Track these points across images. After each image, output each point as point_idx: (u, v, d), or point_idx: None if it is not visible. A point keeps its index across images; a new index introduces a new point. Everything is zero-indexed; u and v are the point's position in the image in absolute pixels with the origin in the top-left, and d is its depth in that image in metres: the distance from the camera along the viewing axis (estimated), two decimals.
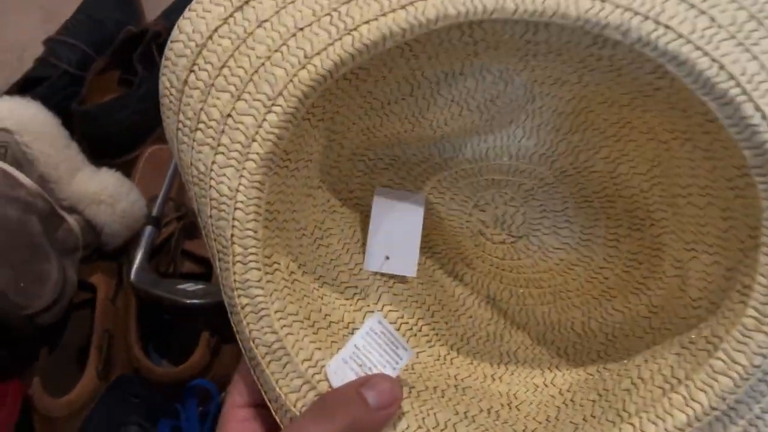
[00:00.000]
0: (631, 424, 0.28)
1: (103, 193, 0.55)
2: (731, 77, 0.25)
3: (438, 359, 0.36)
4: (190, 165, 0.29)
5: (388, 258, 0.35)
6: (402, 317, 0.37)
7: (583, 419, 0.31)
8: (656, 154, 0.33)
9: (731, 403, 0.27)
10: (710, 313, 0.30)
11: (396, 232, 0.35)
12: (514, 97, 0.34)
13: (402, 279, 0.37)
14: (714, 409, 0.27)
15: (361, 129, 0.35)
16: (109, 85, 0.74)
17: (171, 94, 0.30)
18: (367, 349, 0.31)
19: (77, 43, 0.74)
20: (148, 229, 0.57)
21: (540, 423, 0.33)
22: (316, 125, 0.31)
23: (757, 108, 0.25)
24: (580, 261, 0.36)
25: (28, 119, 0.53)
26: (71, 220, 0.54)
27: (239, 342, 0.30)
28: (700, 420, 0.27)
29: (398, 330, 0.36)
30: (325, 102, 0.30)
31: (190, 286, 0.53)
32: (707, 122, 0.27)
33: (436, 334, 0.37)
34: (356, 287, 0.35)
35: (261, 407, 0.31)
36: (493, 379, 0.36)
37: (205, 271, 0.58)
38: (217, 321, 0.52)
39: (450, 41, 0.28)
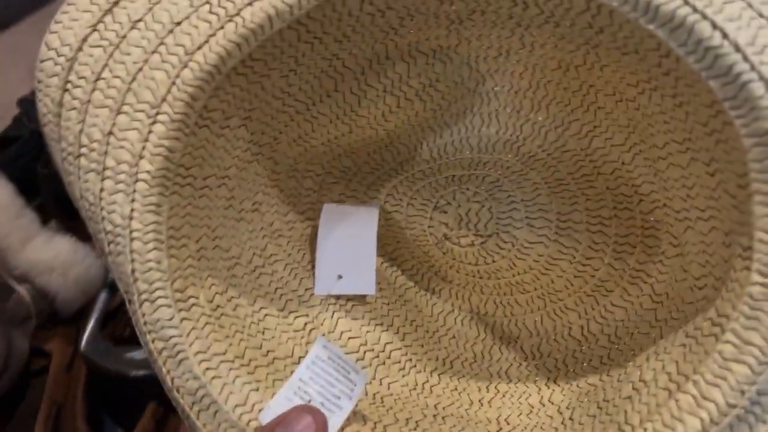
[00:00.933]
0: None
1: (56, 260, 0.55)
2: None
3: (414, 388, 0.31)
4: (80, 198, 0.26)
5: (341, 277, 0.31)
6: (365, 344, 0.32)
7: None
8: (629, 118, 0.29)
9: (752, 395, 0.21)
10: (716, 291, 0.25)
11: (348, 249, 0.31)
12: (459, 79, 0.31)
13: (361, 300, 0.33)
14: (732, 406, 0.22)
15: (293, 138, 0.31)
16: None
17: (50, 121, 0.26)
18: (314, 380, 0.27)
19: None
20: (103, 294, 0.56)
21: None
22: (220, 134, 0.27)
23: (714, 26, 0.21)
24: (562, 254, 0.32)
25: None
26: (22, 289, 0.53)
27: (167, 393, 0.27)
28: (717, 423, 0.22)
29: (362, 359, 0.32)
30: (224, 104, 0.26)
31: (138, 354, 0.52)
32: (663, 58, 0.23)
33: (410, 360, 0.32)
34: (307, 315, 0.31)
35: None
36: (481, 405, 0.31)
37: None
38: (164, 391, 0.51)
39: (352, 15, 0.25)
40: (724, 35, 0.21)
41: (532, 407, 0.30)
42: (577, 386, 0.30)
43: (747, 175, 0.22)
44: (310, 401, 0.26)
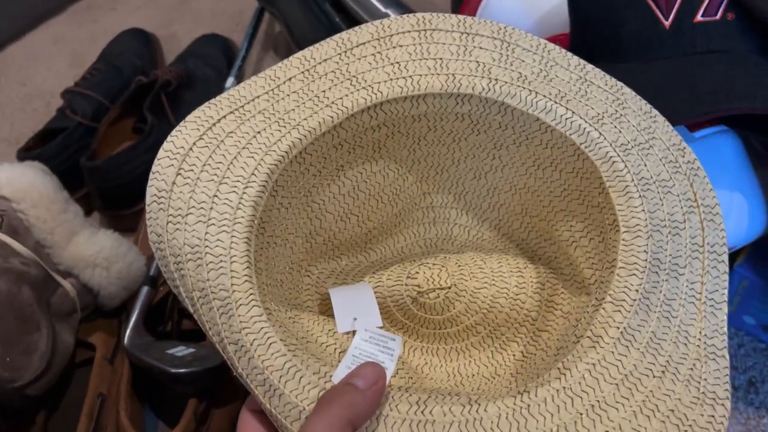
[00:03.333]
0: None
1: (99, 255, 0.56)
2: (546, 97, 0.39)
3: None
4: (183, 245, 0.36)
5: (355, 319, 0.41)
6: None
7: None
8: (522, 204, 0.44)
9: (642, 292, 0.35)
10: (600, 272, 0.38)
11: (355, 300, 0.42)
12: (410, 193, 0.45)
13: None
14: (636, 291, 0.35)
15: (306, 234, 0.43)
16: (124, 133, 0.76)
17: (160, 197, 0.37)
18: (364, 352, 0.37)
19: (93, 95, 0.76)
20: (144, 289, 0.57)
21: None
22: (278, 207, 0.39)
23: (566, 108, 0.39)
24: (500, 293, 0.43)
25: (26, 186, 0.54)
26: (67, 284, 0.54)
27: (248, 384, 0.34)
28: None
29: None
30: (285, 183, 0.39)
31: (180, 351, 0.52)
32: (543, 134, 0.40)
33: (399, 390, 0.40)
34: (335, 343, 0.39)
35: None
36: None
37: (200, 329, 0.58)
38: (205, 387, 0.51)
39: (362, 126, 0.40)
40: (574, 112, 0.39)
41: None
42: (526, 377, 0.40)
43: (603, 185, 0.37)
44: None
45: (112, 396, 0.54)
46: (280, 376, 0.34)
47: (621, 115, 0.39)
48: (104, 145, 0.72)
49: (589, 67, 0.41)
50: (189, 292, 0.36)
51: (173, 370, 0.49)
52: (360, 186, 0.44)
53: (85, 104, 0.75)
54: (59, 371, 0.52)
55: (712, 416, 0.34)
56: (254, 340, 0.34)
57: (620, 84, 0.41)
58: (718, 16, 0.43)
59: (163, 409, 0.56)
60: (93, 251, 0.56)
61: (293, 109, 0.39)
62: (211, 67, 0.81)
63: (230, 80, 0.75)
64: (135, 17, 0.94)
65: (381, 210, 0.45)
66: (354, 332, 0.40)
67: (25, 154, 0.71)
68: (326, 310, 0.43)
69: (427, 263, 0.43)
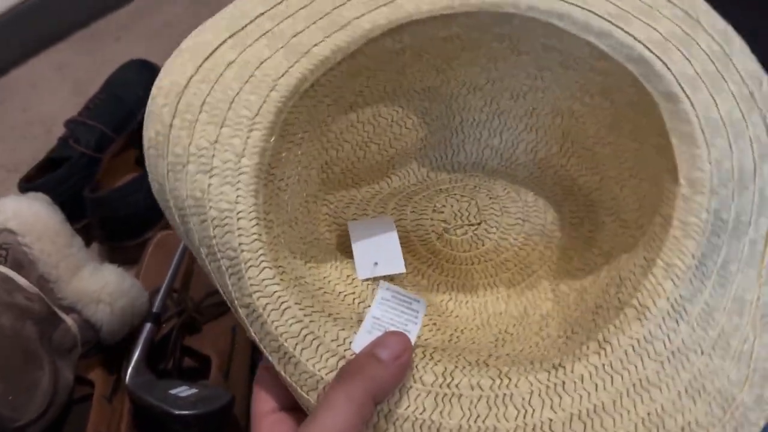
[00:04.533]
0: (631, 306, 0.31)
1: (103, 291, 0.55)
2: (601, 17, 0.33)
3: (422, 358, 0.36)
4: (186, 197, 0.32)
5: (376, 264, 0.37)
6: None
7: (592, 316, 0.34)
8: (563, 129, 0.40)
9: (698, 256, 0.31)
10: (651, 227, 0.33)
11: (376, 242, 0.38)
12: (439, 113, 0.40)
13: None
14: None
15: (321, 165, 0.39)
16: (127, 165, 0.76)
17: (157, 142, 0.33)
18: (386, 316, 0.33)
19: (96, 125, 0.76)
20: (147, 326, 0.56)
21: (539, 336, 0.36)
22: (288, 146, 0.35)
23: (628, 33, 0.33)
24: (534, 230, 0.40)
25: (32, 219, 0.54)
26: (69, 320, 0.54)
27: (262, 349, 0.32)
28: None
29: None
30: (295, 121, 0.35)
31: (183, 391, 0.52)
32: (595, 61, 0.34)
33: (430, 330, 0.38)
34: (353, 293, 0.36)
35: (286, 410, 0.33)
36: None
37: (203, 366, 0.58)
38: (209, 429, 0.51)
39: (384, 51, 0.35)
40: (634, 37, 0.33)
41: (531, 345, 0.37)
42: (562, 329, 0.36)
43: (663, 126, 0.32)
44: (385, 331, 0.32)
45: None
46: (296, 344, 0.31)
47: (691, 37, 0.33)
48: (107, 176, 0.72)
49: None
50: (196, 250, 0.33)
51: (177, 412, 0.49)
52: (381, 112, 0.39)
53: (89, 134, 0.75)
54: (59, 410, 0.51)
55: (761, 396, 0.31)
56: (267, 304, 0.31)
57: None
58: None
59: None
60: (97, 286, 0.55)
61: (302, 31, 0.33)
62: None
63: None
64: (139, 48, 0.95)
65: (405, 136, 0.40)
66: (374, 279, 0.37)
67: (27, 184, 0.71)
68: (345, 243, 0.39)
69: (455, 194, 0.40)
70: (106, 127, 0.76)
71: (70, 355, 0.54)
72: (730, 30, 0.34)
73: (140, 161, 0.76)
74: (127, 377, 0.53)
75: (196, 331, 0.59)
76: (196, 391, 0.52)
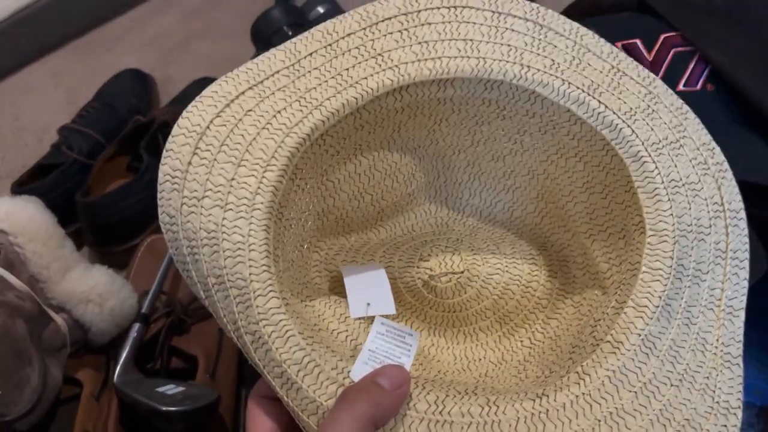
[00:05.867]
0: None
1: (93, 291, 0.56)
2: (578, 88, 0.38)
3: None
4: (198, 229, 0.35)
5: (369, 304, 0.40)
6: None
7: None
8: (538, 190, 0.44)
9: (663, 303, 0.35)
10: (620, 274, 0.38)
11: (368, 285, 0.41)
12: (426, 171, 0.44)
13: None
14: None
15: (318, 212, 0.42)
16: (118, 171, 0.77)
17: (174, 177, 0.35)
18: (381, 348, 0.36)
19: (89, 132, 0.77)
20: (136, 326, 0.57)
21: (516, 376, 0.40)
22: (295, 190, 0.38)
23: (600, 102, 0.38)
24: (512, 280, 0.43)
25: (24, 220, 0.55)
26: (59, 319, 0.55)
27: (264, 375, 0.34)
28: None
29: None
30: (304, 166, 0.38)
31: (170, 389, 0.53)
32: (572, 126, 0.39)
33: (416, 370, 0.42)
34: (346, 331, 0.39)
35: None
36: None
37: (190, 367, 0.59)
38: (195, 426, 0.52)
39: (385, 109, 0.38)
40: (606, 106, 0.37)
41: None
42: (533, 374, 0.40)
43: (631, 183, 0.37)
44: (380, 363, 0.35)
45: None
46: (298, 370, 0.33)
47: (653, 110, 0.38)
48: (98, 182, 0.73)
49: (622, 56, 0.40)
50: (203, 277, 0.35)
51: (164, 408, 0.50)
52: (376, 165, 0.43)
53: (82, 141, 0.76)
54: (48, 407, 0.52)
55: (725, 426, 0.34)
56: (272, 332, 0.33)
57: (653, 76, 0.40)
58: (698, 87, 0.46)
59: None
60: (87, 287, 0.56)
61: (315, 88, 0.37)
62: None
63: None
64: (133, 57, 0.96)
65: (395, 189, 0.44)
66: (366, 318, 0.39)
67: (20, 188, 0.72)
68: (335, 287, 0.42)
69: (439, 245, 0.43)
70: (99, 135, 0.77)
71: (59, 354, 0.55)
72: (685, 106, 0.39)
73: (131, 168, 0.77)
74: (116, 376, 0.54)
75: (185, 332, 0.60)
76: (183, 389, 0.53)
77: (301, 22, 0.80)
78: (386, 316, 0.40)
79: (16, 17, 0.94)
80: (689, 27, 0.47)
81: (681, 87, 0.46)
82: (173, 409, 0.50)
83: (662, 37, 0.47)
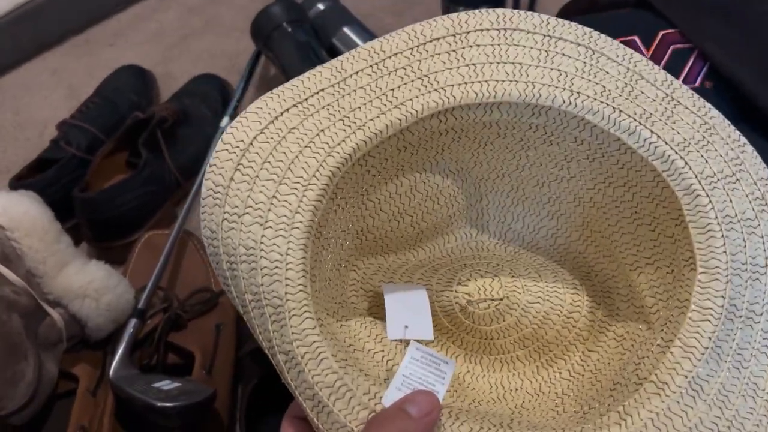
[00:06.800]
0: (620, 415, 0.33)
1: (89, 287, 0.56)
2: (630, 117, 0.36)
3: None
4: (238, 246, 0.35)
5: (407, 327, 0.39)
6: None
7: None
8: (584, 217, 0.42)
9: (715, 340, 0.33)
10: (667, 311, 0.36)
11: (408, 307, 0.40)
12: (468, 194, 0.44)
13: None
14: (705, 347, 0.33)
15: (357, 231, 0.42)
16: (117, 167, 0.77)
17: (216, 192, 0.36)
18: (415, 374, 0.35)
19: (89, 128, 0.77)
20: (132, 321, 0.57)
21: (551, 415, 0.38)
22: (335, 210, 0.39)
23: (652, 132, 0.36)
24: (553, 310, 0.42)
25: (21, 215, 0.55)
26: (55, 314, 0.55)
27: (296, 395, 0.34)
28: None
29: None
30: (345, 185, 0.38)
31: (165, 384, 0.53)
32: (621, 155, 0.37)
33: (451, 396, 0.41)
34: (383, 351, 0.39)
35: None
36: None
37: (187, 363, 0.59)
38: (190, 422, 0.52)
39: (429, 131, 0.38)
40: (659, 137, 0.36)
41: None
42: (573, 409, 0.39)
43: (683, 217, 0.35)
44: (414, 389, 0.34)
45: (93, 429, 0.53)
46: (330, 394, 0.33)
47: (708, 142, 0.37)
48: (97, 177, 0.73)
49: (677, 83, 0.38)
50: (241, 293, 0.35)
51: (159, 404, 0.50)
52: (418, 186, 0.42)
53: (81, 137, 0.76)
54: (43, 402, 0.52)
55: None
56: (305, 353, 0.33)
57: (709, 106, 0.38)
58: (696, 84, 0.46)
59: None
60: (83, 282, 0.56)
61: (359, 107, 0.37)
62: (206, 106, 0.83)
63: (225, 120, 0.77)
64: (133, 53, 0.96)
65: (436, 211, 0.43)
66: (403, 340, 0.39)
67: (18, 183, 0.72)
68: (372, 307, 0.42)
69: (479, 270, 0.42)
70: (99, 131, 0.77)
71: (55, 349, 0.55)
72: (743, 138, 0.38)
73: (130, 164, 0.77)
74: (111, 371, 0.54)
75: (181, 328, 0.60)
76: (179, 384, 0.53)
77: (302, 19, 0.80)
78: (422, 341, 0.40)
79: (16, 13, 0.94)
80: (687, 24, 0.46)
81: None
82: (168, 404, 0.50)
83: (660, 34, 0.47)
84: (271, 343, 0.34)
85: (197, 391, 0.52)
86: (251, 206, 0.35)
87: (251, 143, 0.36)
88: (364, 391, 0.33)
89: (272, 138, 0.36)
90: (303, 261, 0.34)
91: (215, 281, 0.65)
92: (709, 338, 0.33)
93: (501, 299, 0.41)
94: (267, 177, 0.35)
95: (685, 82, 0.46)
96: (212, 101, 0.84)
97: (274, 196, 0.35)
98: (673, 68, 0.46)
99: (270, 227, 0.34)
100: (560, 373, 0.41)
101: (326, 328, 0.35)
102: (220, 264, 0.36)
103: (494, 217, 0.45)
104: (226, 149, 0.36)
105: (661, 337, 0.35)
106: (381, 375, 0.36)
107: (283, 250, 0.34)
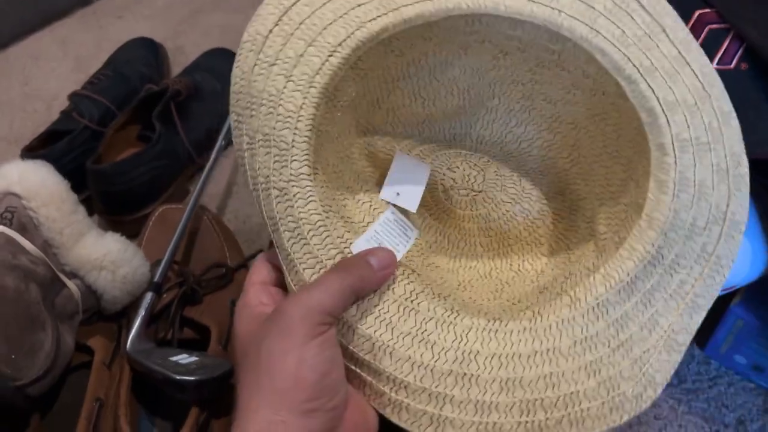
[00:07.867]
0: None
1: (106, 258, 0.55)
2: (635, 66, 0.38)
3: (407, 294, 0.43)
4: (263, 90, 0.39)
5: (398, 194, 0.46)
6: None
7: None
8: (576, 140, 0.47)
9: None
10: (613, 242, 0.40)
11: (408, 176, 0.46)
12: (481, 91, 0.48)
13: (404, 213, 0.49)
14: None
15: (371, 101, 0.46)
16: (129, 140, 0.76)
17: (255, 39, 0.40)
18: (384, 232, 0.43)
19: (100, 99, 0.76)
20: (148, 295, 0.57)
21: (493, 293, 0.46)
22: (353, 77, 0.43)
23: (648, 85, 0.38)
24: (521, 212, 0.49)
25: (38, 184, 0.54)
26: (72, 285, 0.54)
27: (278, 229, 0.39)
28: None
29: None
30: (368, 60, 0.42)
31: (183, 358, 0.52)
32: (618, 99, 0.40)
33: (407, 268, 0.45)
34: (370, 201, 0.45)
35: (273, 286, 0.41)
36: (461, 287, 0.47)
37: (202, 337, 0.58)
38: (207, 397, 0.51)
39: (455, 29, 0.41)
40: (653, 92, 0.38)
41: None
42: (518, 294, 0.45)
43: (649, 166, 0.38)
44: (380, 244, 0.42)
45: (110, 401, 0.53)
46: (310, 230, 0.38)
47: (698, 108, 0.39)
48: (109, 150, 0.72)
49: (695, 45, 0.40)
50: (252, 131, 0.39)
51: (178, 377, 0.49)
52: (435, 74, 0.46)
53: (93, 108, 0.75)
54: (60, 372, 0.51)
55: (641, 394, 0.38)
56: (297, 193, 0.38)
57: (716, 76, 0.40)
58: (732, 65, 0.45)
59: (161, 417, 0.55)
60: (100, 254, 0.55)
61: None
62: (218, 81, 0.81)
63: None
64: (142, 27, 0.95)
65: (448, 100, 0.48)
66: (388, 203, 0.45)
67: (29, 154, 0.71)
68: (368, 167, 0.48)
69: (470, 161, 0.49)
70: (111, 103, 0.76)
71: (71, 320, 0.55)
72: (733, 113, 0.40)
73: (142, 137, 0.76)
74: (128, 344, 0.53)
75: (197, 303, 0.59)
76: (197, 358, 0.52)
77: None
78: (402, 210, 0.47)
79: None
80: (724, 4, 0.46)
81: (714, 65, 0.45)
82: (188, 378, 0.49)
83: (697, 13, 0.46)
84: (267, 179, 0.39)
85: (215, 365, 0.52)
86: (281, 59, 0.39)
87: (294, 4, 0.40)
88: (338, 234, 0.39)
89: (313, 2, 0.40)
90: (313, 116, 0.38)
91: (230, 256, 0.65)
92: (627, 274, 0.38)
93: (480, 191, 0.48)
94: (300, 36, 0.39)
95: (720, 62, 0.46)
96: (224, 76, 0.83)
97: (301, 55, 0.39)
98: (708, 48, 0.46)
99: (292, 81, 0.39)
100: (510, 265, 0.48)
101: (322, 175, 0.40)
102: (241, 102, 0.40)
103: (500, 117, 0.49)
104: (272, 3, 0.40)
105: (593, 262, 0.40)
106: (363, 220, 0.42)
107: (299, 103, 0.38)
